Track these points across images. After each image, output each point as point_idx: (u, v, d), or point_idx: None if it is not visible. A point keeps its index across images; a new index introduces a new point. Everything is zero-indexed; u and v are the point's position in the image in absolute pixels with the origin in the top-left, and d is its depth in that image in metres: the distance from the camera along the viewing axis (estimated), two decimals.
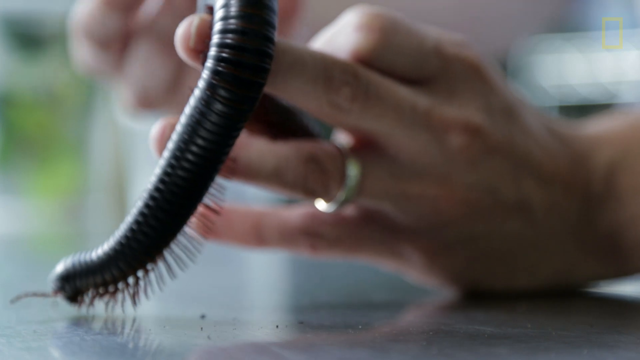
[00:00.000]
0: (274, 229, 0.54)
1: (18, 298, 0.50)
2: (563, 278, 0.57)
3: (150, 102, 0.66)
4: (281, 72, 0.48)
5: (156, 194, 0.45)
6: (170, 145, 0.45)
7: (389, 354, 0.40)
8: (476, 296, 0.57)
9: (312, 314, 0.52)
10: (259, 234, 0.54)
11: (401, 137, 0.52)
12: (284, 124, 0.52)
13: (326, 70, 0.49)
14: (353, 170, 0.52)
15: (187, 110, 0.45)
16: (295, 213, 0.54)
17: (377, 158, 0.52)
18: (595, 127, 0.60)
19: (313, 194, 0.52)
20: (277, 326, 0.45)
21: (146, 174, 1.31)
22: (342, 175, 0.51)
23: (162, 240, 0.46)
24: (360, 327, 0.47)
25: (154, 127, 0.50)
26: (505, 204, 0.54)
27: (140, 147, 1.31)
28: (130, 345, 0.43)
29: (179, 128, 0.45)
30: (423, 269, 0.56)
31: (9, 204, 1.19)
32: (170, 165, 0.45)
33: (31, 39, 1.22)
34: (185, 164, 0.44)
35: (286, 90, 0.49)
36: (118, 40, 0.65)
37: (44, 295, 0.50)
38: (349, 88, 0.50)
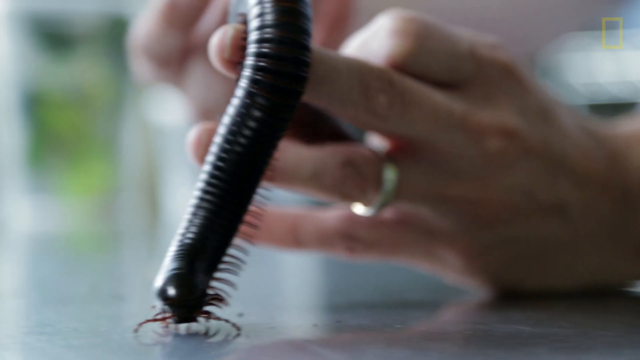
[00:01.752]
0: (311, 232, 0.54)
1: (140, 326, 0.45)
2: (600, 278, 0.57)
3: (210, 113, 0.66)
4: (317, 81, 0.48)
5: (202, 205, 0.45)
6: (211, 156, 0.45)
7: (428, 353, 0.40)
8: (512, 296, 0.57)
9: (349, 314, 0.52)
10: (296, 237, 0.54)
11: (438, 141, 0.51)
12: (320, 128, 0.52)
13: (362, 78, 0.49)
14: (390, 175, 0.52)
15: (227, 120, 0.45)
16: (332, 215, 0.54)
17: (414, 162, 0.52)
18: (629, 125, 0.60)
19: (350, 198, 0.52)
20: (315, 325, 0.45)
21: (177, 172, 1.31)
22: (379, 180, 0.51)
23: (219, 250, 0.45)
24: (397, 326, 0.47)
25: (191, 133, 0.50)
26: (541, 205, 0.54)
27: (172, 146, 1.32)
28: (169, 343, 0.43)
29: (219, 138, 0.45)
30: (460, 271, 0.55)
31: (41, 203, 1.20)
32: (212, 175, 0.44)
33: (61, 38, 1.23)
34: (227, 175, 0.44)
35: (322, 99, 0.49)
36: (176, 56, 0.65)
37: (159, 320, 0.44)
38: (385, 95, 0.49)
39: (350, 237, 0.54)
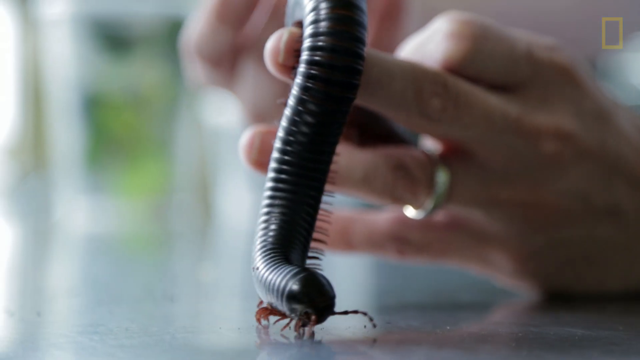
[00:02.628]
0: (362, 234, 0.54)
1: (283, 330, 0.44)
2: None
3: (262, 116, 0.67)
4: (370, 85, 0.48)
5: (278, 206, 0.45)
6: (272, 163, 0.45)
7: (478, 355, 0.40)
8: (564, 298, 0.56)
9: (398, 314, 0.51)
10: (347, 239, 0.54)
11: (491, 144, 0.51)
12: (373, 130, 0.52)
13: (415, 81, 0.49)
14: (442, 177, 0.51)
15: (282, 126, 0.45)
16: (383, 218, 0.54)
17: (467, 165, 0.52)
18: None
19: (401, 201, 0.52)
20: (364, 326, 0.45)
21: (231, 174, 1.32)
22: (431, 183, 0.51)
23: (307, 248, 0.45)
24: (448, 327, 0.46)
25: (243, 136, 0.50)
26: (596, 209, 0.53)
27: (225, 148, 1.32)
28: (220, 343, 0.43)
29: (276, 144, 0.45)
30: (512, 274, 0.55)
31: (97, 203, 1.21)
32: (278, 179, 0.45)
33: (119, 40, 1.24)
34: (291, 179, 0.44)
35: (375, 103, 0.49)
36: (228, 57, 0.66)
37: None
38: (438, 99, 0.49)
39: (401, 239, 0.53)
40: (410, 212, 0.53)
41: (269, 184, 0.45)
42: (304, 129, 0.44)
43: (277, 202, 0.44)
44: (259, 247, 0.44)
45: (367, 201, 0.53)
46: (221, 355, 0.41)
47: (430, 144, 0.54)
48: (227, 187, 1.33)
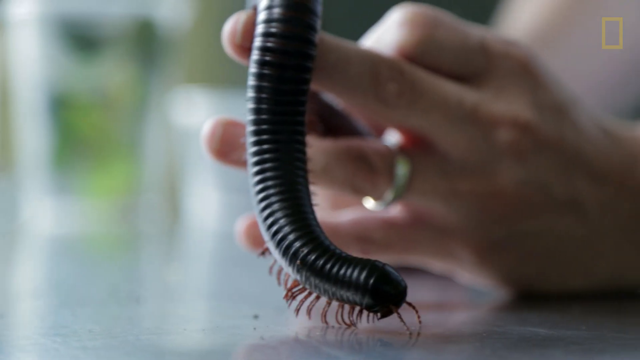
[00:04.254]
0: None
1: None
2: (618, 279, 0.57)
3: None
4: (327, 69, 0.49)
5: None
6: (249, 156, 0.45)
7: (442, 355, 0.40)
8: (528, 297, 0.56)
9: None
10: None
11: (449, 133, 0.52)
12: (333, 125, 0.52)
13: (372, 66, 0.50)
14: (402, 169, 0.52)
15: (247, 116, 0.45)
16: (345, 219, 0.54)
17: (426, 156, 0.52)
18: None
19: (361, 192, 0.52)
20: (331, 327, 0.45)
21: (199, 175, 1.31)
22: (391, 173, 0.51)
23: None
24: (412, 327, 0.46)
25: (205, 126, 0.51)
26: (556, 201, 0.54)
27: (194, 148, 1.32)
28: (184, 345, 0.43)
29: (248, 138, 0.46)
30: (474, 269, 0.55)
31: (64, 204, 1.21)
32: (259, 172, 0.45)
33: (86, 40, 1.24)
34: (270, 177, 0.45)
35: (332, 87, 0.50)
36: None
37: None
38: (395, 83, 0.50)
39: (365, 239, 0.54)
40: (370, 204, 0.53)
41: (254, 178, 0.45)
42: (265, 116, 0.45)
43: (270, 191, 0.44)
44: (296, 235, 0.44)
45: (328, 192, 0.53)
46: (185, 356, 0.41)
47: (390, 138, 0.54)
48: (196, 187, 1.32)
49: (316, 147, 0.51)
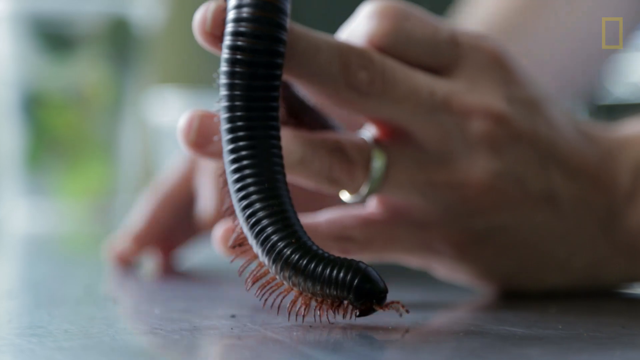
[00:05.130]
0: None
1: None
2: (594, 274, 0.57)
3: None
4: (296, 58, 0.49)
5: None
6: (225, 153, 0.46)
7: (420, 355, 0.40)
8: (506, 297, 0.56)
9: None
10: None
11: (422, 122, 0.52)
12: (306, 120, 0.52)
13: (341, 55, 0.50)
14: (378, 161, 0.52)
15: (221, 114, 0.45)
16: (324, 220, 0.54)
17: (402, 148, 0.52)
18: (625, 128, 0.60)
19: (338, 184, 0.52)
20: (310, 326, 0.45)
21: None
22: (368, 165, 0.51)
23: None
24: (390, 327, 0.46)
25: (182, 119, 0.51)
26: (532, 194, 0.54)
27: (169, 147, 1.31)
28: (161, 344, 0.43)
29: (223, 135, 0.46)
30: (453, 263, 0.55)
31: (38, 204, 1.20)
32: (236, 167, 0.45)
33: (61, 39, 1.23)
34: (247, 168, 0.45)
35: (302, 75, 0.50)
36: None
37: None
38: (365, 72, 0.50)
39: (344, 238, 0.54)
40: (346, 197, 0.53)
41: (233, 176, 0.45)
42: (240, 112, 0.45)
43: (250, 189, 0.45)
44: (276, 228, 0.44)
45: (304, 185, 0.52)
46: (162, 357, 0.41)
47: (366, 132, 0.54)
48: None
49: (292, 139, 0.50)
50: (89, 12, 1.24)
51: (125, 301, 0.58)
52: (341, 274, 0.43)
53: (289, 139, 0.50)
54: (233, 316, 0.49)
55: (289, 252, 0.44)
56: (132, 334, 0.45)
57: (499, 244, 0.54)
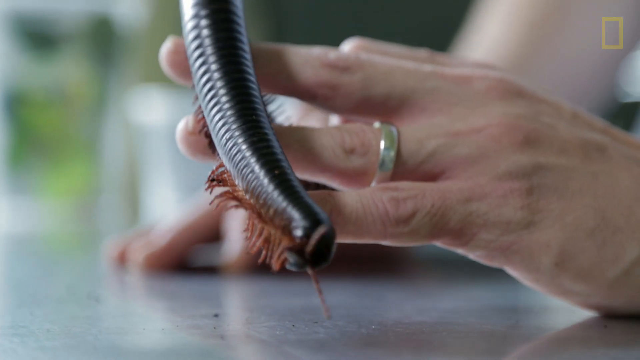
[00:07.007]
0: None
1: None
2: None
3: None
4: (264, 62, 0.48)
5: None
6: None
7: (402, 354, 0.40)
8: (479, 297, 0.56)
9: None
10: None
11: (418, 94, 0.49)
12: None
13: (313, 53, 0.49)
14: (388, 126, 0.48)
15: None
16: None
17: (409, 123, 0.49)
18: None
19: (354, 153, 0.47)
20: (293, 325, 0.45)
21: (159, 173, 1.31)
22: (378, 131, 0.48)
23: None
24: (373, 327, 0.46)
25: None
26: (570, 140, 0.49)
27: (153, 147, 1.31)
28: (143, 344, 0.43)
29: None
30: (518, 228, 0.47)
31: (20, 203, 1.19)
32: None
33: (43, 37, 1.23)
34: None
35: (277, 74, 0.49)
36: None
37: None
38: (340, 55, 0.49)
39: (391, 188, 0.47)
40: (373, 175, 0.48)
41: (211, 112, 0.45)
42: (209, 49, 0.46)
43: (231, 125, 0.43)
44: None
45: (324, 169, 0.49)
46: (145, 356, 0.41)
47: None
48: (154, 186, 1.32)
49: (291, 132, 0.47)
50: (72, 11, 1.24)
51: (108, 300, 0.58)
52: (297, 205, 0.40)
53: (289, 134, 0.48)
54: (216, 315, 0.49)
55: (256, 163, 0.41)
56: (115, 333, 0.45)
57: (561, 189, 0.48)
